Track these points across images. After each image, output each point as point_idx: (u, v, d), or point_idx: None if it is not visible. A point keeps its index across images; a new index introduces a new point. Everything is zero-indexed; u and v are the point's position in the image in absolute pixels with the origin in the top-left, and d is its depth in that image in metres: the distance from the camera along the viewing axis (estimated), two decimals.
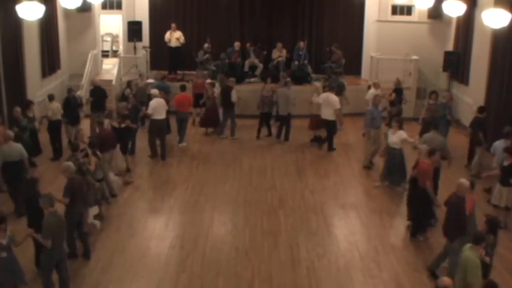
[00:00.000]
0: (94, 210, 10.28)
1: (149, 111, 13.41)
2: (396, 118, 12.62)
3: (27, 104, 12.95)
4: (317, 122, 14.62)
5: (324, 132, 14.67)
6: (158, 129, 13.53)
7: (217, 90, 15.54)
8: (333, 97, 14.19)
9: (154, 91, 14.13)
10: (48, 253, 7.49)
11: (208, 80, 16.08)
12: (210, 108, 15.29)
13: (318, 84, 15.41)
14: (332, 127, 14.41)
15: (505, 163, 10.17)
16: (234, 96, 15.08)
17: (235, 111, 15.33)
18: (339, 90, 15.39)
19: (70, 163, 9.01)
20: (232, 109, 15.26)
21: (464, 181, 8.34)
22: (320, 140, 14.81)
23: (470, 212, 8.47)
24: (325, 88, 15.22)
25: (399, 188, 11.80)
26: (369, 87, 17.35)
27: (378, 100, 13.50)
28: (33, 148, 12.67)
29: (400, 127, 11.90)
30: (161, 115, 13.46)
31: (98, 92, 14.69)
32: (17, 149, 10.39)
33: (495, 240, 7.77)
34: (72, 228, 8.68)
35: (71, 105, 13.77)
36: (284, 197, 11.60)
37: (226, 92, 15.19)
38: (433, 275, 8.45)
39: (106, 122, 12.00)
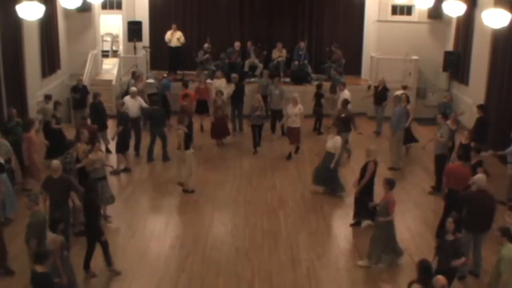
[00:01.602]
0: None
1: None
2: (338, 123, 12.42)
3: (54, 105, 13.00)
4: (295, 134, 13.86)
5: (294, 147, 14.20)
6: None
7: (217, 82, 15.64)
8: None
9: (132, 88, 14.22)
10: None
11: (220, 84, 15.70)
12: (220, 118, 14.64)
13: (296, 95, 14.20)
14: None
15: (473, 162, 10.22)
16: (246, 92, 15.68)
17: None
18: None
19: (59, 162, 9.06)
20: (243, 105, 15.61)
21: (482, 176, 8.60)
22: (290, 157, 13.96)
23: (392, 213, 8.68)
24: (332, 89, 15.40)
25: (337, 194, 11.61)
26: (369, 87, 17.35)
27: (396, 99, 13.36)
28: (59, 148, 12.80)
29: (338, 133, 11.64)
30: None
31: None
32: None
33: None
34: (68, 225, 8.75)
35: (98, 111, 13.62)
36: (284, 197, 11.61)
37: (240, 89, 15.55)
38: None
39: (179, 126, 11.58)
